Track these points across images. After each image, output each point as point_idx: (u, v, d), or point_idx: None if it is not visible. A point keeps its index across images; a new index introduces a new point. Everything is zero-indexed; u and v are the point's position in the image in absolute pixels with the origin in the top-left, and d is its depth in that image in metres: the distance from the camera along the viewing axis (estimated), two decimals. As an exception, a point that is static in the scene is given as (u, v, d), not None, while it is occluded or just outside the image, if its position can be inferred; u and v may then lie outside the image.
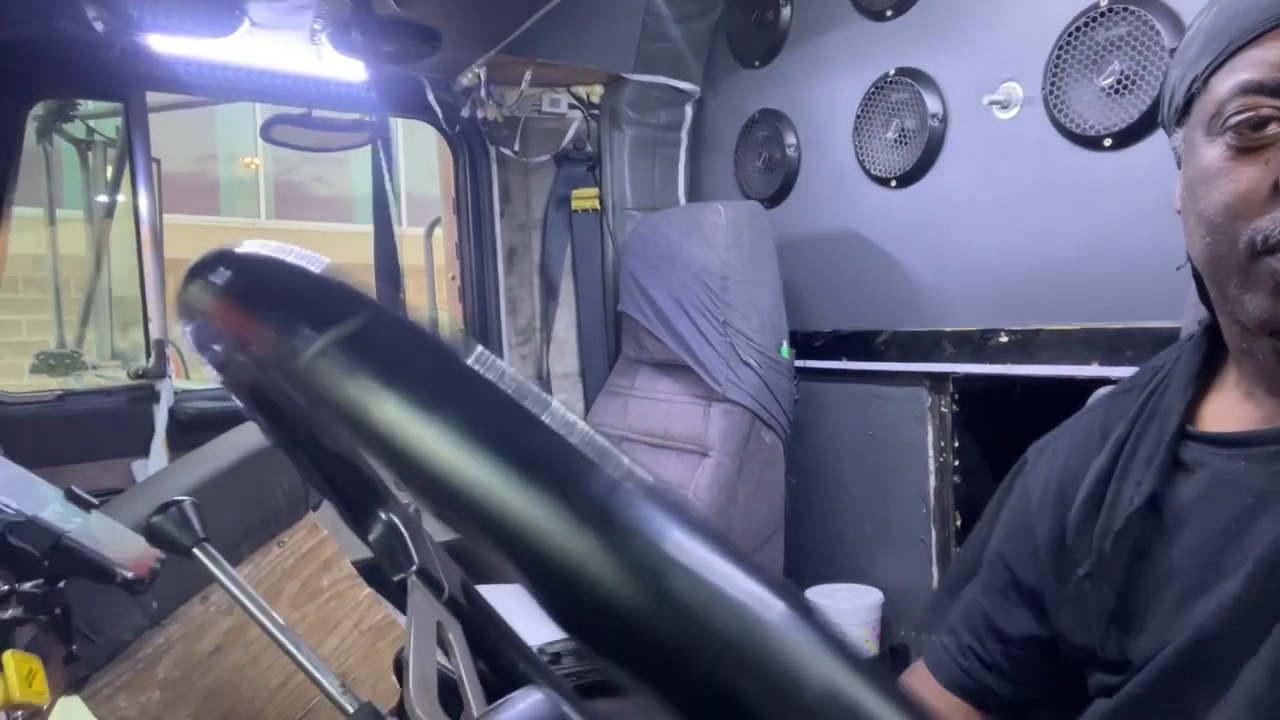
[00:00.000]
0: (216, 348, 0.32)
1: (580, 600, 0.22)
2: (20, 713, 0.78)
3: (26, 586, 0.88)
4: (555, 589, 0.23)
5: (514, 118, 2.48)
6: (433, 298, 3.01)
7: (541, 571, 0.23)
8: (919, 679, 0.84)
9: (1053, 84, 1.67)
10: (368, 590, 1.37)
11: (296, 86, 2.23)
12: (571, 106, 2.57)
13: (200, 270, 0.32)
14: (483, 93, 2.31)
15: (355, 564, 1.38)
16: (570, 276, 2.69)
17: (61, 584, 0.88)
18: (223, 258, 0.32)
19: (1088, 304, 1.67)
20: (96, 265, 3.35)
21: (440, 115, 2.39)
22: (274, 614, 0.57)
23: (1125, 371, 0.94)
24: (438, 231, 2.89)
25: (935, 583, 1.99)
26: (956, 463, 1.96)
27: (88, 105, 3.07)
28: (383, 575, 0.57)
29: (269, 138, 2.38)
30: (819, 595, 2.09)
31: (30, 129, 2.03)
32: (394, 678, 1.32)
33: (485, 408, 0.25)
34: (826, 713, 0.21)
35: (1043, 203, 1.74)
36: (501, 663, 0.60)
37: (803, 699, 0.21)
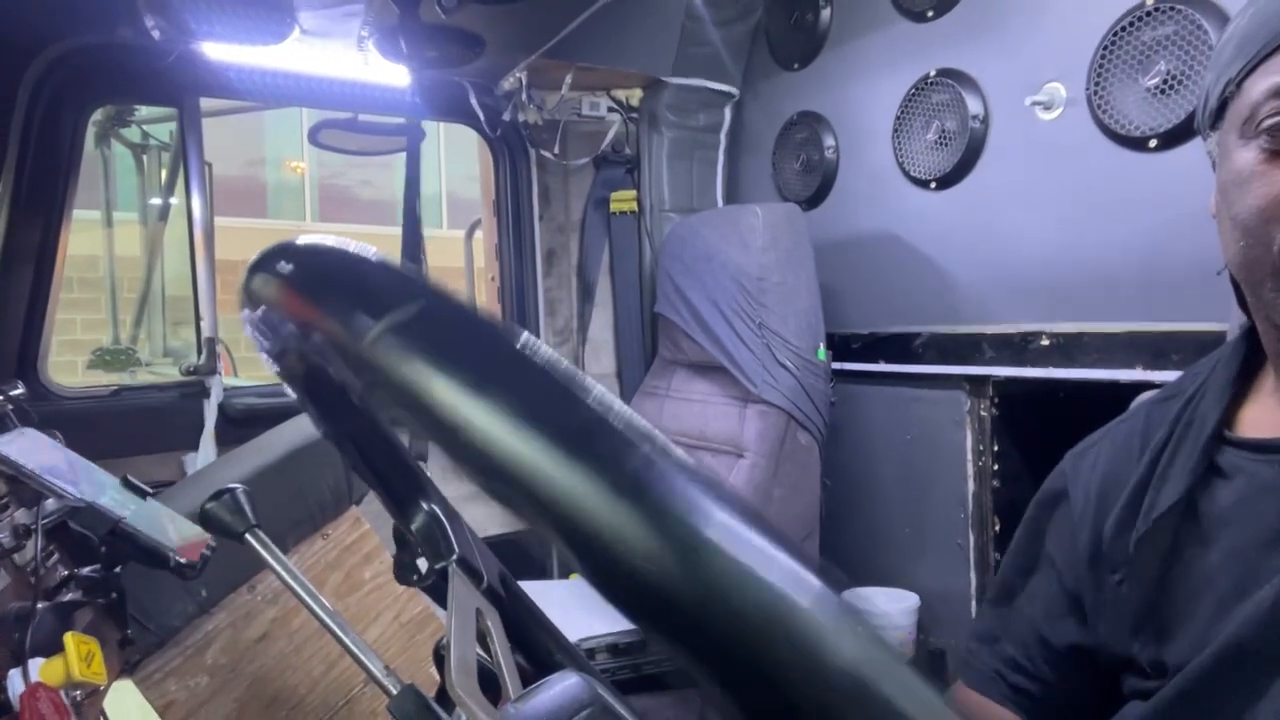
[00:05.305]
0: (276, 336, 0.34)
1: (617, 567, 0.23)
2: (79, 692, 0.82)
3: (85, 571, 0.92)
4: (595, 557, 0.24)
5: (554, 121, 2.51)
6: (472, 299, 3.05)
7: (582, 540, 0.24)
8: (962, 697, 0.83)
9: (1097, 84, 1.65)
10: (408, 583, 1.39)
11: (343, 92, 2.28)
12: (611, 109, 2.59)
13: (263, 262, 0.34)
14: (524, 96, 2.34)
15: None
16: (608, 278, 2.71)
17: (118, 569, 0.92)
18: (285, 250, 0.34)
19: (1132, 306, 1.64)
20: (150, 266, 3.46)
21: (482, 119, 2.43)
22: (321, 598, 0.59)
23: (1171, 375, 0.93)
24: (478, 233, 2.94)
25: (973, 587, 1.96)
26: (996, 467, 1.93)
27: (143, 111, 3.18)
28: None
29: (317, 141, 2.44)
30: (855, 598, 2.08)
31: (89, 134, 2.10)
32: (433, 669, 1.34)
33: (532, 387, 0.26)
34: (850, 683, 0.22)
35: (1086, 204, 1.72)
36: (538, 652, 0.62)
37: (827, 669, 0.22)
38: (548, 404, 0.26)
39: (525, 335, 0.28)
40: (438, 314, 0.29)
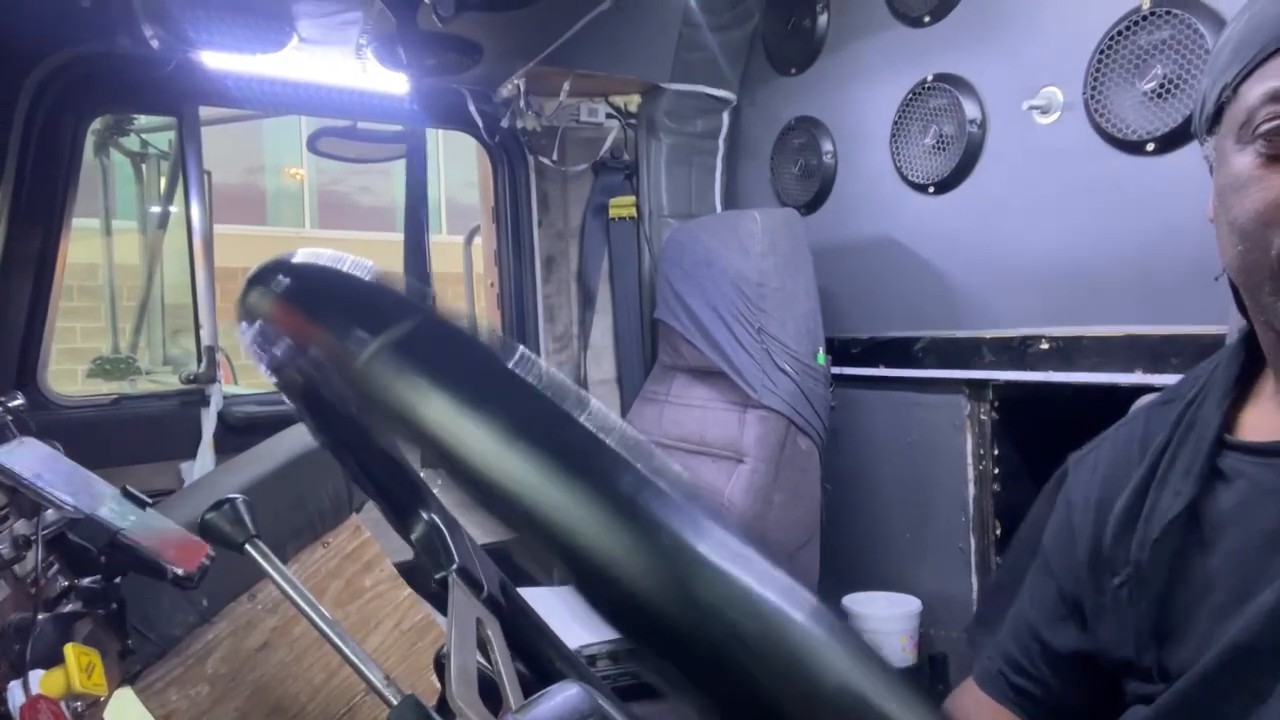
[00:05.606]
0: (274, 351, 0.33)
1: (610, 588, 0.23)
2: (79, 703, 0.81)
3: (85, 582, 0.91)
4: (588, 577, 0.24)
5: (552, 127, 2.51)
6: (471, 305, 3.05)
7: (575, 560, 0.24)
8: (970, 693, 0.83)
9: (1094, 88, 1.65)
10: (408, 591, 1.39)
11: (342, 99, 2.28)
12: (609, 116, 2.60)
13: (260, 277, 0.34)
14: (522, 103, 2.35)
15: (396, 565, 1.41)
16: (607, 284, 2.71)
17: (118, 580, 0.92)
18: (282, 266, 0.34)
19: (1131, 310, 1.64)
20: (149, 274, 3.46)
21: (481, 126, 2.44)
22: (321, 608, 0.59)
23: (1169, 379, 0.93)
24: (477, 240, 2.94)
25: (975, 591, 1.96)
26: (996, 471, 1.93)
27: (142, 120, 3.18)
28: (423, 576, 0.59)
29: (316, 149, 2.44)
30: (856, 603, 2.08)
31: (88, 143, 2.10)
32: (434, 677, 1.34)
33: (524, 408, 0.26)
34: (840, 705, 0.22)
35: (1084, 208, 1.72)
36: (539, 661, 0.62)
37: (817, 692, 0.22)
38: (540, 423, 0.26)
39: (520, 352, 0.28)
40: (431, 334, 0.29)
